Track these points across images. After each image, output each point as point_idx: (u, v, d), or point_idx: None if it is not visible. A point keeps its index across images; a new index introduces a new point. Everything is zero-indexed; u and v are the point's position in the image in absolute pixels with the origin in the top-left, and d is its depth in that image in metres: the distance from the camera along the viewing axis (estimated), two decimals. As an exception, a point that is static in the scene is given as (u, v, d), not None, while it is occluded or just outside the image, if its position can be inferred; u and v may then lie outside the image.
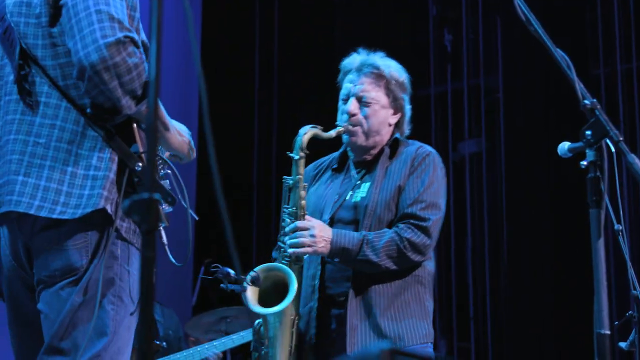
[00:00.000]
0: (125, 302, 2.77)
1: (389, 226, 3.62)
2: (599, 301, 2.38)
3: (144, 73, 2.65)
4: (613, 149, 2.46)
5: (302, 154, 3.65)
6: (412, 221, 3.57)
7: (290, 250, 3.54)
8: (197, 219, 2.98)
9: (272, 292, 3.48)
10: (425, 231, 3.57)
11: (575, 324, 7.00)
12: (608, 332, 2.37)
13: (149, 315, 1.67)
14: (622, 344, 3.74)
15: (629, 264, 3.40)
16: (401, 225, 3.57)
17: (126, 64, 2.59)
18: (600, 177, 2.41)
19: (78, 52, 2.60)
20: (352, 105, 3.76)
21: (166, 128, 2.85)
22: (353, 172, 3.83)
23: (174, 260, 2.81)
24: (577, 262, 6.95)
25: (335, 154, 3.95)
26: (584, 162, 2.44)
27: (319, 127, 3.69)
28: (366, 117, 3.75)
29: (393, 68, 3.83)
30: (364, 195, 3.68)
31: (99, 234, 2.72)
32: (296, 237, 3.54)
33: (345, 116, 3.77)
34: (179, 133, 2.94)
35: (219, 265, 3.42)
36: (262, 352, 3.55)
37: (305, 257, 3.63)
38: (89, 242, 2.71)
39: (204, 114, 1.85)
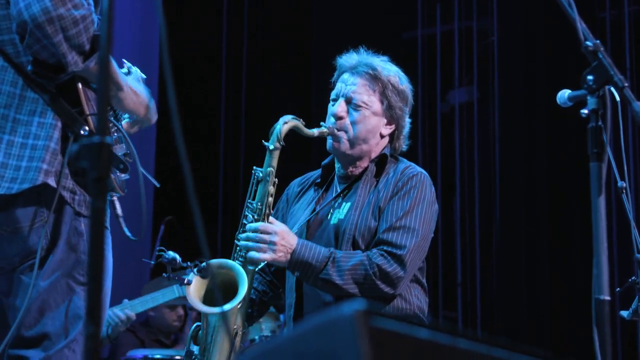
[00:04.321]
0: None
1: None
2: (599, 264, 2.39)
3: (92, 26, 2.63)
4: (617, 97, 2.44)
5: (278, 144, 3.54)
6: (385, 248, 3.50)
7: (248, 256, 3.46)
8: (158, 185, 3.00)
9: (219, 293, 3.47)
10: (399, 260, 3.47)
11: (573, 290, 7.08)
12: (608, 298, 2.37)
13: (99, 275, 1.66)
14: (624, 313, 3.78)
15: (633, 224, 3.41)
16: (374, 250, 3.50)
17: (72, 16, 2.59)
18: (602, 128, 2.40)
19: (18, 3, 2.59)
20: (340, 107, 3.68)
21: (119, 88, 2.83)
22: (336, 188, 3.77)
23: (129, 234, 2.80)
24: (577, 222, 7.08)
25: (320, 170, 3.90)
26: (585, 111, 2.42)
27: (301, 120, 3.61)
28: (353, 123, 3.67)
29: (393, 73, 3.74)
30: (341, 217, 3.63)
31: (56, 211, 2.72)
32: (255, 240, 3.47)
33: (331, 119, 3.70)
34: (135, 93, 2.92)
35: (164, 249, 3.35)
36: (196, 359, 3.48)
37: (260, 265, 3.59)
38: (47, 221, 2.71)
39: (166, 72, 1.83)
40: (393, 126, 3.74)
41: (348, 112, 3.68)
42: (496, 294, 7.70)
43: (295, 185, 3.94)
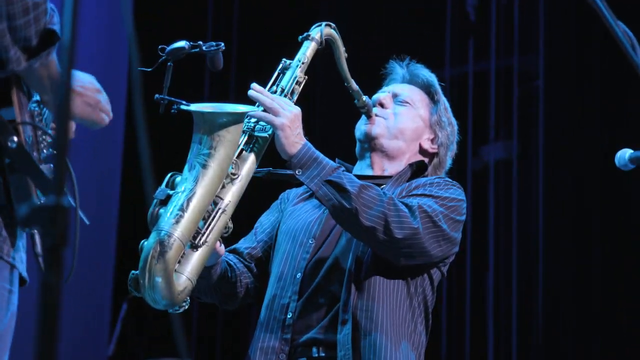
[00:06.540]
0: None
1: (395, 268, 3.45)
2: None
3: (43, 17, 2.55)
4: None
5: (318, 37, 3.55)
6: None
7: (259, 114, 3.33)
8: (88, 223, 2.86)
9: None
10: (410, 209, 3.37)
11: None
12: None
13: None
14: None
15: None
16: None
17: (23, 2, 2.49)
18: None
19: None
20: (385, 95, 3.77)
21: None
22: None
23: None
24: (636, 307, 6.85)
25: None
26: (648, 177, 2.35)
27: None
28: (396, 114, 3.74)
29: (448, 103, 3.86)
30: None
31: None
32: (271, 99, 3.35)
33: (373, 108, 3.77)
34: (79, 94, 2.79)
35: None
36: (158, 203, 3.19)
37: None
38: None
39: (135, 89, 1.91)
40: (436, 147, 3.78)
41: (393, 105, 3.76)
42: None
43: (295, 190, 3.87)
